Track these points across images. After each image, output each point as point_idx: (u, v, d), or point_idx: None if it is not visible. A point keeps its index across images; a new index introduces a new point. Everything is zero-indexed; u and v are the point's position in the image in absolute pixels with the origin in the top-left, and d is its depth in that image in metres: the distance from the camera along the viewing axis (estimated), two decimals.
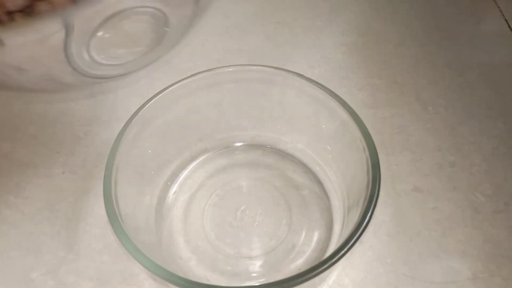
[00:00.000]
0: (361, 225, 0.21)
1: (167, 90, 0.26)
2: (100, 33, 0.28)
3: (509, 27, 0.41)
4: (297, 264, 0.26)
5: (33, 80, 0.25)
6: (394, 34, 0.41)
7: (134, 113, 0.25)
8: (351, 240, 0.20)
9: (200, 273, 0.26)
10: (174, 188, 0.30)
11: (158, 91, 0.26)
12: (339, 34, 0.41)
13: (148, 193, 0.28)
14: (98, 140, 0.34)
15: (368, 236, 0.29)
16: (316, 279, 0.20)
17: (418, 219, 0.29)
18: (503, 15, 0.41)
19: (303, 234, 0.28)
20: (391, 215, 0.29)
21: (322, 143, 0.29)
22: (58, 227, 0.29)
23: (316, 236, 0.27)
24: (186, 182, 0.30)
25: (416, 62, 0.38)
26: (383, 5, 0.44)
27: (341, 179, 0.28)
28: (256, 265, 0.26)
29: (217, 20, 0.42)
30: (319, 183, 0.30)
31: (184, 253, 0.27)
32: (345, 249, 0.20)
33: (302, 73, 0.26)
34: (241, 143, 0.32)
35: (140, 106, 0.26)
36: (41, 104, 0.36)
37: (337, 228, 0.27)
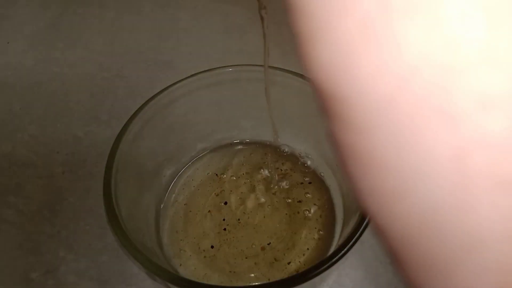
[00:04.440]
0: (361, 225, 0.21)
1: (167, 90, 0.26)
2: None
3: None
4: (297, 264, 0.26)
5: None
6: None
7: (134, 113, 0.25)
8: (351, 240, 0.20)
9: (200, 273, 0.26)
10: (174, 188, 0.30)
11: (158, 91, 0.26)
12: None
13: (148, 193, 0.28)
14: (98, 140, 0.34)
15: (368, 236, 0.28)
16: (316, 279, 0.20)
17: None
18: None
19: (303, 234, 0.27)
20: None
21: (322, 143, 0.29)
22: (58, 227, 0.29)
23: (316, 236, 0.27)
24: (186, 182, 0.30)
25: None
26: None
27: (341, 179, 0.28)
28: (256, 265, 0.26)
29: (217, 20, 0.42)
30: (320, 182, 0.30)
31: (184, 253, 0.27)
32: (345, 249, 0.20)
33: (302, 73, 0.26)
34: (240, 143, 0.32)
35: (140, 106, 0.26)
36: (41, 104, 0.36)
37: (337, 228, 0.27)
